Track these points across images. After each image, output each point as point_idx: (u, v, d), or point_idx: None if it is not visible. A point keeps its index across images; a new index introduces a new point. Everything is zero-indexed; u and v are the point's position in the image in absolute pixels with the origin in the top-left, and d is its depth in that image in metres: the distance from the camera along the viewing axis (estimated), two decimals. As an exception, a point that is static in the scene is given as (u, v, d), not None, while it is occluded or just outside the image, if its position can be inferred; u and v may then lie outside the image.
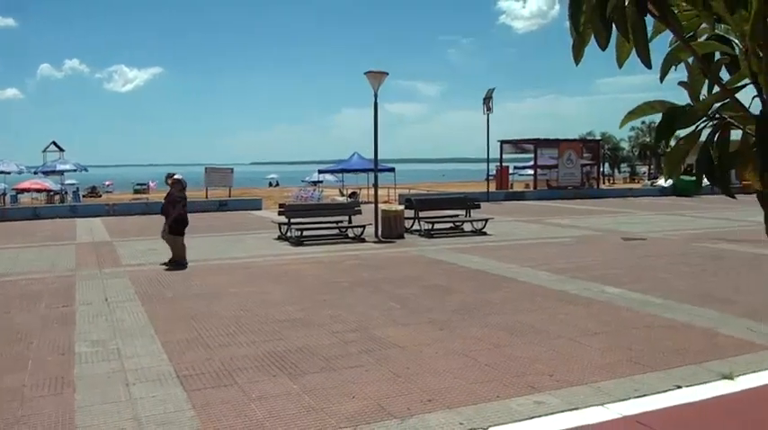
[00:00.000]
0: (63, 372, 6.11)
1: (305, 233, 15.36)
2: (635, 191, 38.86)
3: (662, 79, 2.11)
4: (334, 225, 16.61)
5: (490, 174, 36.79)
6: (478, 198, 20.75)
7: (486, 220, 17.58)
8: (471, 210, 18.53)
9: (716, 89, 1.90)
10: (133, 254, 14.24)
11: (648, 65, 1.82)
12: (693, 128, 1.86)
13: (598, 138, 60.25)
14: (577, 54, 1.89)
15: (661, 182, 39.87)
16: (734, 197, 2.02)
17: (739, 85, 1.92)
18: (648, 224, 20.17)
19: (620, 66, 1.93)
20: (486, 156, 33.29)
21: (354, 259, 13.22)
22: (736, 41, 1.93)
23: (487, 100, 31.88)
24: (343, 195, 30.85)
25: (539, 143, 37.43)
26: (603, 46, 1.77)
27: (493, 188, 35.29)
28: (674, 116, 1.81)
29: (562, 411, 5.08)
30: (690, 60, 1.97)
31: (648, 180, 52.33)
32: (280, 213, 16.34)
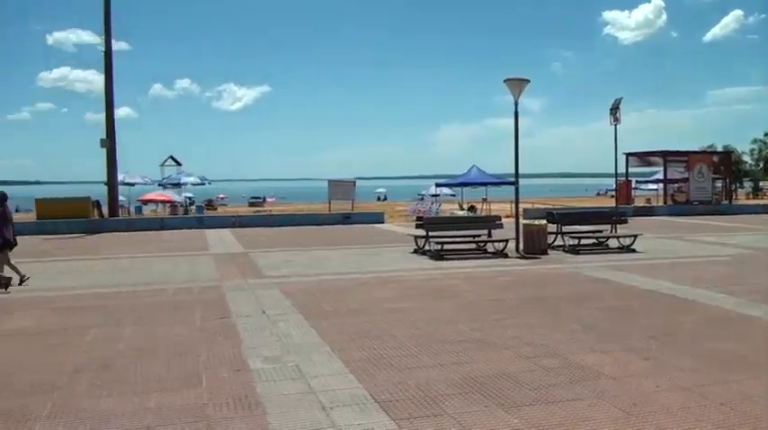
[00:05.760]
0: (245, 391, 5.61)
1: (444, 247, 14.65)
2: (773, 207, 35.81)
3: None
4: (472, 239, 15.81)
5: (608, 189, 35.01)
6: (624, 212, 19.40)
7: (636, 236, 16.25)
8: (617, 226, 17.23)
9: None
10: (273, 265, 14.00)
11: None
12: None
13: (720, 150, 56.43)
14: None
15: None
16: None
17: None
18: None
19: None
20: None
21: (505, 275, 12.34)
22: None
23: (615, 110, 30.30)
24: (462, 209, 30.04)
25: (667, 155, 35.21)
26: None
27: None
28: None
29: None
30: None
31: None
32: (417, 226, 15.84)
